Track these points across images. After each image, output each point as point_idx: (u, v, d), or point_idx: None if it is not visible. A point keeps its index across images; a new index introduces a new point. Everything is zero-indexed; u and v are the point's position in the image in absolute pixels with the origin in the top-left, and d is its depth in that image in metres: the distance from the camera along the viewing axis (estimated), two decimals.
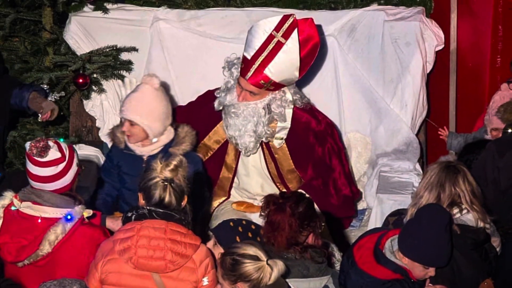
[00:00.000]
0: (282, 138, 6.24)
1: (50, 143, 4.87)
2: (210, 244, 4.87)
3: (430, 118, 7.40)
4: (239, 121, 6.12)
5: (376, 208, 6.41)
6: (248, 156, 6.30)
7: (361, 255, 4.89)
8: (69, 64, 7.09)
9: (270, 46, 5.99)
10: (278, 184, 6.39)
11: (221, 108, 6.23)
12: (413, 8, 7.24)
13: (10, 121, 6.91)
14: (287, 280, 4.56)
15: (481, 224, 5.10)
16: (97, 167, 6.60)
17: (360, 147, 7.22)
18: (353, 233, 6.59)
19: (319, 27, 6.44)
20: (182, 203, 4.69)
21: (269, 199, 4.88)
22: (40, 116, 6.50)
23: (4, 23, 7.23)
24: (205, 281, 4.61)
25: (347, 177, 6.43)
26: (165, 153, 5.68)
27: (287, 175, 6.36)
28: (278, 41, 5.99)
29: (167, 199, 4.63)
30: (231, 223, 5.02)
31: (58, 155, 4.87)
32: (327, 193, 6.29)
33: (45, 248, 4.79)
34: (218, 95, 6.24)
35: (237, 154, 6.34)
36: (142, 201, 4.71)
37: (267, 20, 6.07)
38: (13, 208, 4.91)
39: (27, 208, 4.87)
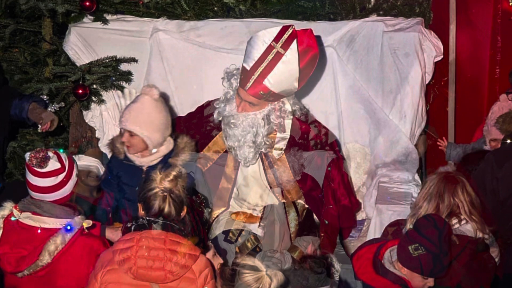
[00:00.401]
0: (281, 149, 6.24)
1: (50, 153, 4.89)
2: (209, 254, 4.87)
3: (429, 129, 7.40)
4: (238, 132, 6.12)
5: (375, 219, 6.41)
6: (248, 166, 6.29)
7: (360, 265, 4.89)
8: (69, 74, 7.07)
9: (269, 57, 5.98)
10: (277, 194, 6.38)
11: (220, 118, 6.24)
12: (412, 19, 7.23)
13: (10, 132, 6.91)
14: None
15: (480, 235, 5.11)
16: (97, 178, 6.60)
17: (359, 158, 7.22)
18: (352, 243, 6.59)
19: (318, 38, 6.45)
20: (181, 214, 4.70)
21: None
22: (39, 126, 6.50)
23: (4, 34, 7.23)
24: None
25: (346, 188, 6.42)
26: (165, 163, 5.69)
27: (286, 185, 6.35)
28: (277, 52, 5.99)
29: (166, 209, 4.63)
30: (231, 234, 5.02)
31: (58, 165, 4.89)
32: (326, 203, 6.29)
33: (45, 258, 4.79)
34: (217, 106, 6.24)
35: (237, 164, 6.34)
36: (141, 212, 4.71)
37: (266, 31, 6.07)
38: (13, 218, 4.91)
39: (27, 218, 4.88)
